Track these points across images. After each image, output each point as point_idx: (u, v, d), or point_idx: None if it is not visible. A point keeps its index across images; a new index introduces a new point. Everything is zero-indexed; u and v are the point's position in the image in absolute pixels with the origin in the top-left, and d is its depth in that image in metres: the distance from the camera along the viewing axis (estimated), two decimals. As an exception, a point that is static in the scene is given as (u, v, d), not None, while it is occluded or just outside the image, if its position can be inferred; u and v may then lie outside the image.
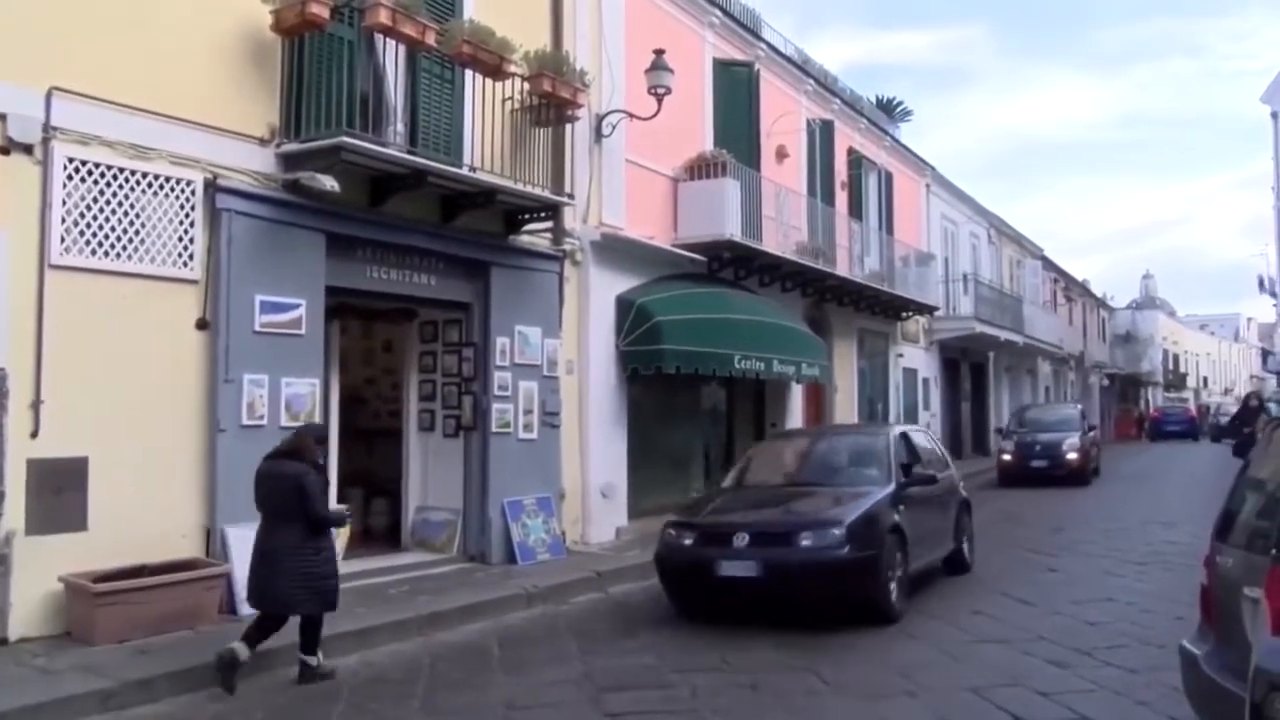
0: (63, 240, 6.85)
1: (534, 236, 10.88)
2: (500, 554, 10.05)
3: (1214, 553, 4.41)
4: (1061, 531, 13.22)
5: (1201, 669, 4.14)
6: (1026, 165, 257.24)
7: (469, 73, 9.40)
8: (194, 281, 7.65)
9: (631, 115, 12.08)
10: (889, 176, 21.63)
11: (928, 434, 11.49)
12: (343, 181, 8.14)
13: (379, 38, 8.45)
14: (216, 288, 7.71)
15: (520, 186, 9.79)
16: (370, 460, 11.32)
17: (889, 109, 24.45)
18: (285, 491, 6.11)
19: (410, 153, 8.85)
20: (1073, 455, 20.04)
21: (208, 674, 6.14)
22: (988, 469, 21.58)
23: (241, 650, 6.01)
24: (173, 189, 7.52)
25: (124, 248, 7.20)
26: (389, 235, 9.18)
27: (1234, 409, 36.29)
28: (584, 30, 11.75)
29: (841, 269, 17.23)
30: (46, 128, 6.75)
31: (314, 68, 8.20)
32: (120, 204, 7.18)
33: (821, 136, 18.22)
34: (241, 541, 7.54)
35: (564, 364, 11.23)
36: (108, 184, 7.12)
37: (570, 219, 11.23)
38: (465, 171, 9.38)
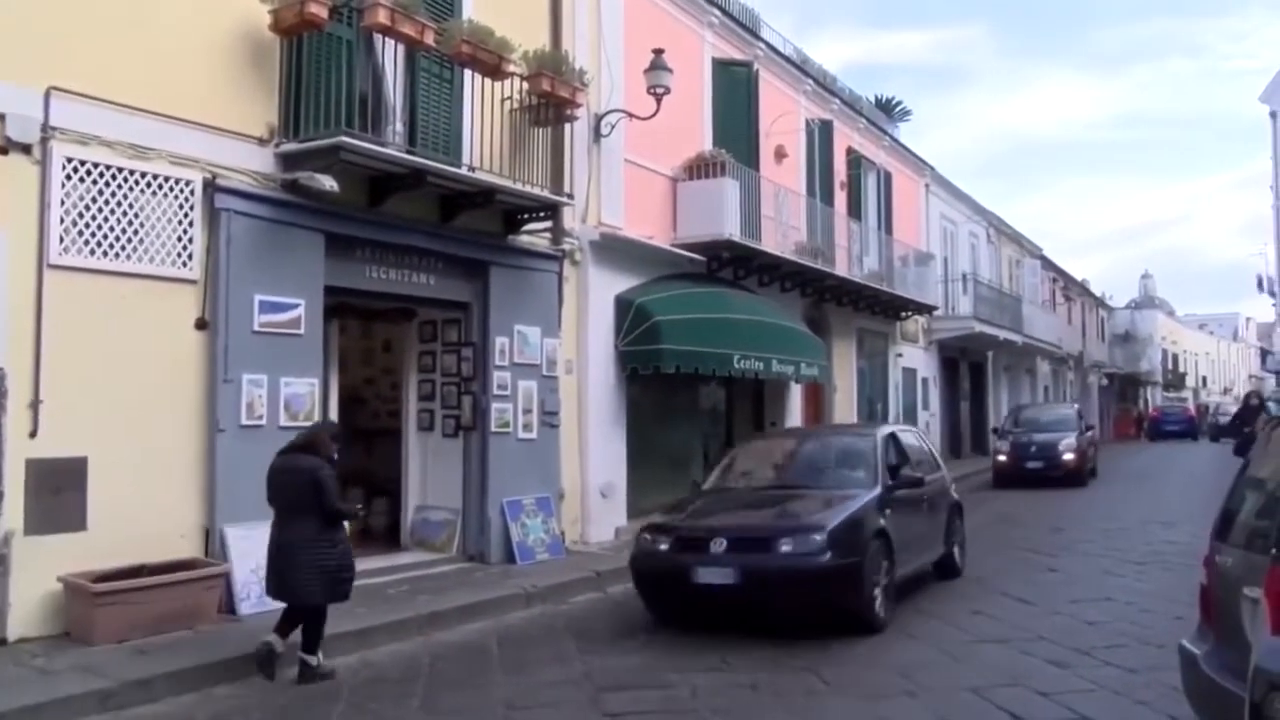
0: (61, 240, 6.85)
1: (533, 236, 10.88)
2: (499, 554, 10.05)
3: (1213, 552, 4.41)
4: (1060, 531, 13.22)
5: (1201, 668, 4.14)
6: (1025, 165, 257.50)
7: (468, 72, 9.40)
8: (193, 281, 7.64)
9: (631, 115, 12.08)
10: (888, 176, 21.63)
11: (918, 434, 11.17)
12: (342, 181, 8.14)
13: (378, 37, 8.45)
14: (215, 287, 7.71)
15: (519, 186, 9.79)
16: (369, 460, 11.31)
17: (888, 109, 24.46)
18: (300, 486, 6.19)
19: (409, 152, 8.85)
20: (1069, 456, 19.74)
21: (207, 673, 6.17)
22: (986, 469, 21.51)
23: (277, 642, 6.22)
24: (172, 189, 7.52)
25: (123, 247, 7.20)
26: (388, 235, 9.17)
27: (1233, 408, 36.37)
28: (583, 30, 11.74)
29: (840, 269, 17.23)
30: (45, 127, 6.74)
31: (313, 67, 8.20)
32: (119, 204, 7.18)
33: (820, 136, 18.22)
34: (241, 541, 7.58)
35: (563, 364, 11.23)
36: (106, 184, 7.12)
37: (569, 219, 11.23)
38: (464, 171, 9.37)
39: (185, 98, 7.56)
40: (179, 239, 7.55)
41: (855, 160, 19.71)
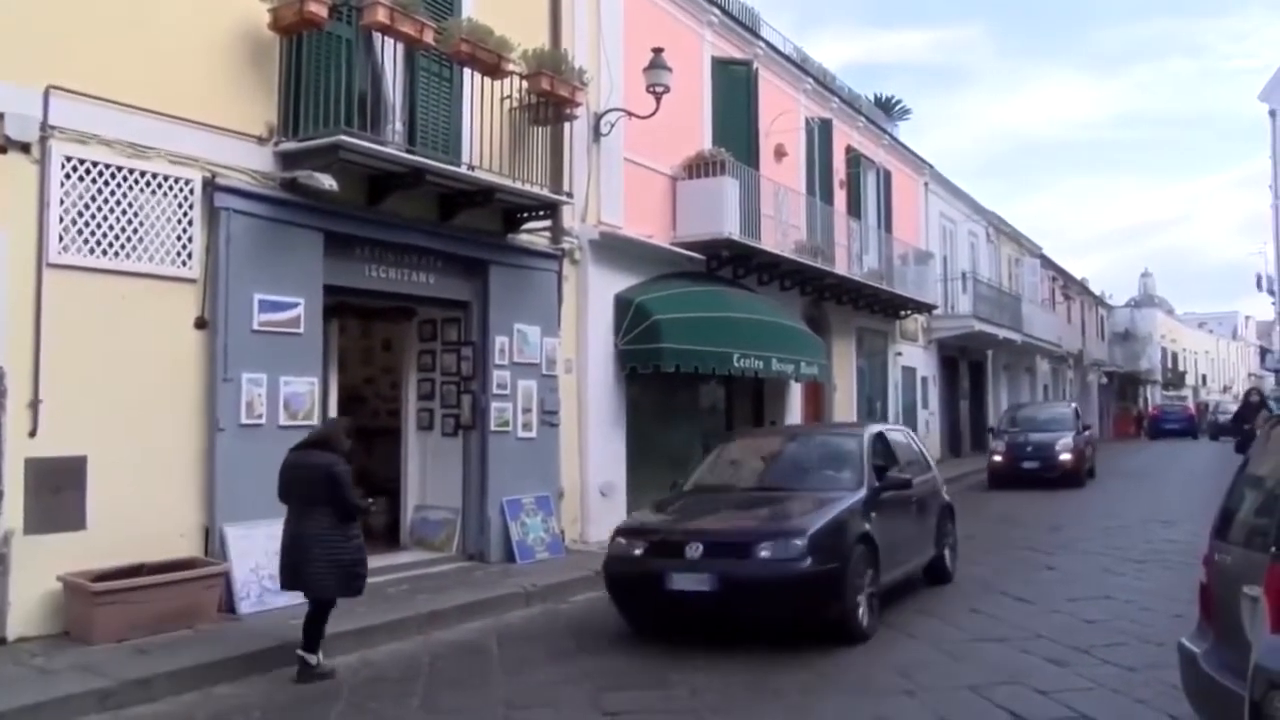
0: (61, 239, 6.84)
1: (532, 235, 10.88)
2: (499, 553, 10.05)
3: (1213, 550, 4.41)
4: (1059, 530, 13.23)
5: (1200, 667, 4.14)
6: (1025, 164, 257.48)
7: (467, 71, 9.39)
8: (192, 280, 7.64)
9: (630, 114, 12.08)
10: (887, 175, 21.63)
11: (907, 433, 10.87)
12: (341, 180, 8.14)
13: (377, 36, 8.45)
14: (215, 286, 7.71)
15: (519, 185, 9.79)
16: (369, 459, 11.29)
17: (888, 108, 24.46)
18: (314, 481, 6.26)
19: (409, 151, 8.84)
20: (1066, 456, 19.27)
21: (207, 672, 6.17)
22: (985, 468, 21.44)
23: (310, 657, 6.31)
24: (171, 188, 7.51)
25: (122, 246, 7.19)
26: (387, 234, 9.17)
27: (1233, 407, 36.35)
28: (582, 29, 11.74)
29: (840, 267, 17.23)
30: (44, 126, 6.74)
31: (312, 66, 8.20)
32: (118, 203, 7.18)
33: (820, 135, 18.22)
34: (240, 540, 7.58)
35: (563, 363, 11.23)
36: (106, 183, 7.11)
37: (569, 218, 11.23)
38: (464, 170, 9.37)
39: (184, 97, 7.55)
40: (178, 238, 7.55)
41: (855, 159, 19.71)
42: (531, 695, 6.01)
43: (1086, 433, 21.71)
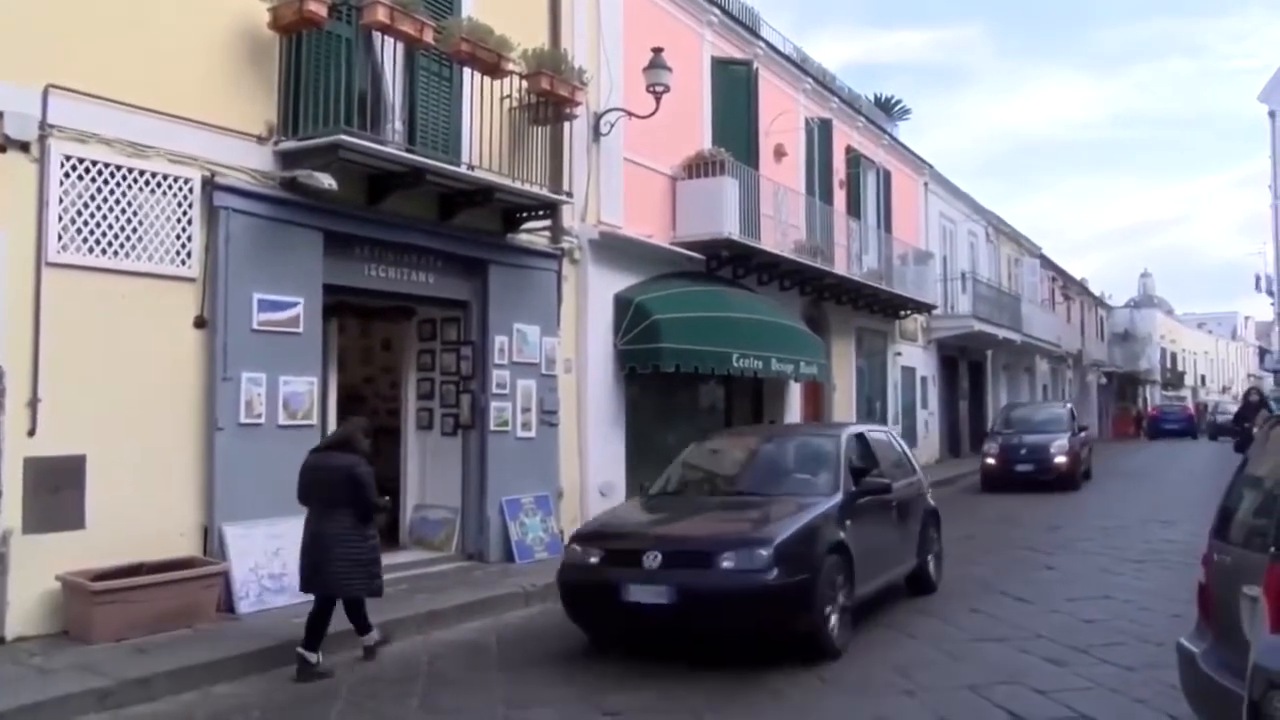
0: (60, 238, 6.84)
1: (532, 235, 10.87)
2: (498, 552, 10.05)
3: (1212, 550, 4.41)
4: (1058, 530, 13.23)
5: (1199, 666, 4.14)
6: (1025, 164, 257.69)
7: (467, 71, 9.39)
8: (192, 279, 7.63)
9: (630, 114, 12.08)
10: (887, 175, 21.63)
11: (890, 434, 10.24)
12: (340, 179, 8.13)
13: (377, 35, 8.44)
14: (214, 286, 7.70)
15: (518, 185, 9.78)
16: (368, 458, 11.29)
17: (887, 108, 24.46)
18: (334, 482, 6.39)
19: (408, 151, 8.84)
20: (1061, 459, 18.75)
21: (206, 672, 6.17)
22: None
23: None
24: (170, 187, 7.51)
25: (121, 246, 7.19)
26: (387, 233, 9.17)
27: (1233, 407, 36.38)
28: (582, 28, 11.74)
29: (840, 267, 17.24)
30: (43, 125, 6.74)
31: (312, 65, 8.19)
32: (118, 202, 7.17)
33: (820, 135, 18.22)
34: (240, 540, 7.58)
35: (562, 362, 11.23)
36: (105, 182, 7.11)
37: (568, 217, 11.23)
38: (463, 170, 9.36)
39: (184, 96, 7.55)
40: (178, 237, 7.55)
41: (854, 159, 19.71)
42: (531, 695, 6.01)
43: (1082, 434, 21.23)
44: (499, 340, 10.33)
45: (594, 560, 6.88)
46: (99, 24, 7.07)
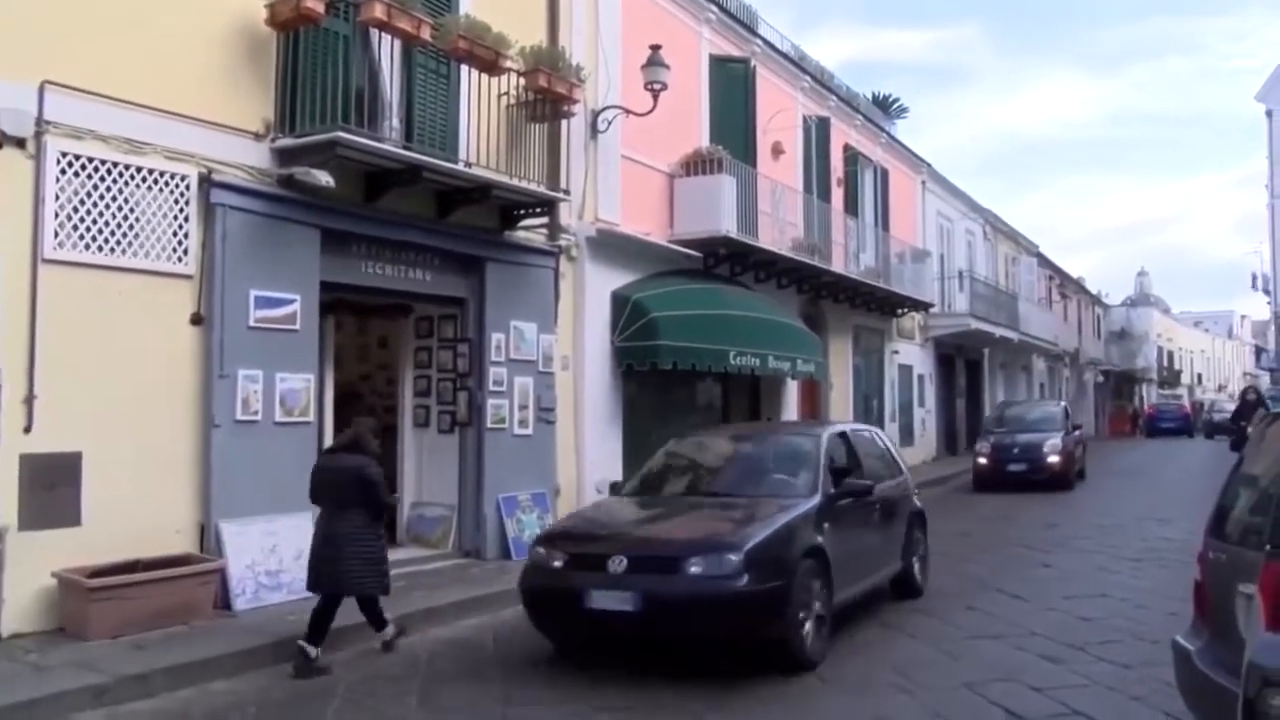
0: (56, 234, 6.83)
1: (529, 232, 10.87)
2: (495, 550, 10.05)
3: (1208, 548, 4.41)
4: (1055, 528, 13.24)
5: (1195, 664, 4.14)
6: (1022, 163, 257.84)
7: (465, 68, 9.38)
8: (188, 276, 7.62)
9: (627, 111, 12.07)
10: (885, 173, 21.63)
11: (875, 433, 9.86)
12: (338, 177, 8.12)
13: (374, 32, 8.44)
14: (211, 283, 7.69)
15: (516, 182, 9.78)
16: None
17: (885, 106, 24.46)
18: (345, 484, 6.52)
19: (406, 148, 8.83)
20: (1054, 458, 18.39)
21: (203, 668, 6.16)
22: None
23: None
24: (167, 183, 7.49)
25: (118, 242, 7.17)
26: (384, 230, 9.16)
27: (1229, 405, 36.40)
28: (580, 26, 11.73)
29: (837, 265, 17.24)
30: (39, 121, 6.72)
31: (309, 62, 8.18)
32: (114, 198, 7.16)
33: (818, 133, 18.22)
34: (236, 537, 7.58)
35: (559, 360, 11.23)
36: (101, 178, 7.09)
37: (566, 215, 11.23)
38: (461, 167, 9.35)
39: (181, 92, 7.53)
40: (174, 234, 7.53)
41: (852, 157, 19.72)
42: (529, 693, 6.01)
43: (1077, 432, 20.98)
44: (496, 337, 10.33)
45: (557, 564, 6.56)
46: (95, 20, 7.06)
